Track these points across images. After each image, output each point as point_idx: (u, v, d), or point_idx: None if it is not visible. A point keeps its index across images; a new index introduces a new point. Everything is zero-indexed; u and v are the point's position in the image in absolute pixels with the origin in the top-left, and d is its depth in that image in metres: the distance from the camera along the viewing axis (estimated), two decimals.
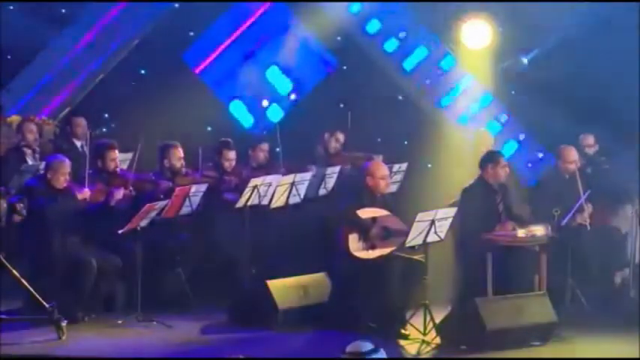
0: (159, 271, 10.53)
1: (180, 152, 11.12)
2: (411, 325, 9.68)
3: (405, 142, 13.70)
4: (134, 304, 10.06)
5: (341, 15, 13.77)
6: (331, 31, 13.85)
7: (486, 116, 13.62)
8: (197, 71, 14.02)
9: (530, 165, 13.48)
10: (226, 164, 11.51)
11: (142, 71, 13.99)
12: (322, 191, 11.53)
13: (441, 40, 13.74)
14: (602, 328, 9.91)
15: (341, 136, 12.47)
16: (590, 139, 11.74)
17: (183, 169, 11.13)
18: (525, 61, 13.29)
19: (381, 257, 9.78)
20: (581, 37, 12.81)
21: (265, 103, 14.06)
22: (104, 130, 13.50)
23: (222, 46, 14.04)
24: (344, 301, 9.86)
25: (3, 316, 9.65)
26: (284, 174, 11.20)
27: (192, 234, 10.99)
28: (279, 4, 13.98)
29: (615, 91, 12.67)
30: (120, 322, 9.97)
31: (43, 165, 10.78)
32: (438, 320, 9.55)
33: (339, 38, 14.04)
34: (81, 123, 12.21)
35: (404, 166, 11.88)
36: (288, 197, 11.00)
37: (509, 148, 13.47)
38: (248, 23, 14.05)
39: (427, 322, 9.55)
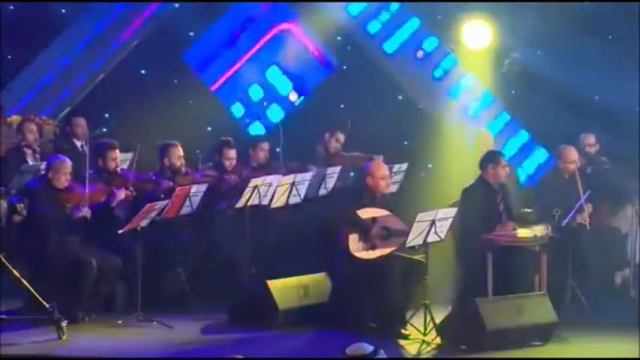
0: (159, 271, 10.53)
1: (180, 151, 11.12)
2: (412, 325, 9.68)
3: (405, 142, 13.70)
4: (134, 304, 10.06)
5: (341, 15, 13.77)
6: (331, 31, 13.85)
7: (486, 116, 13.61)
8: (197, 71, 14.01)
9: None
10: (227, 163, 11.51)
11: (142, 71, 13.99)
12: (322, 191, 11.53)
13: (441, 40, 13.73)
14: (602, 328, 9.91)
15: (341, 136, 12.47)
16: (591, 139, 11.73)
17: (183, 169, 11.13)
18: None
19: (381, 257, 9.78)
20: (581, 36, 12.83)
21: (265, 103, 14.07)
22: (104, 130, 13.50)
23: (222, 47, 14.04)
24: (344, 301, 9.86)
25: (3, 316, 9.64)
26: (284, 174, 11.20)
27: (192, 234, 10.99)
28: (279, 4, 13.98)
29: (615, 91, 12.69)
30: (120, 322, 9.98)
31: (43, 165, 10.79)
32: (438, 320, 9.55)
33: (339, 38, 14.04)
34: (81, 123, 12.21)
35: (404, 166, 11.88)
36: (288, 197, 11.00)
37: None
38: (248, 23, 14.05)
39: (427, 322, 9.55)
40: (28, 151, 11.65)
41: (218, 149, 11.59)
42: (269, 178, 10.85)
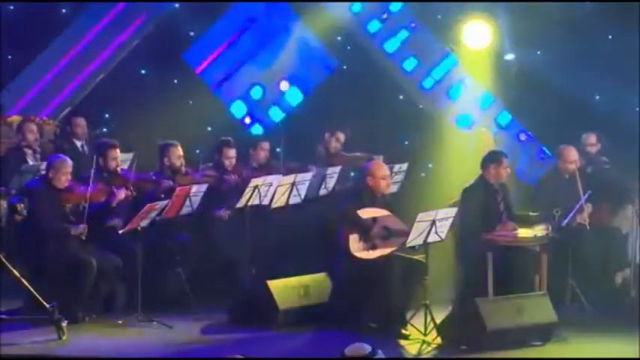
0: (159, 271, 10.52)
1: (179, 151, 11.12)
2: (412, 325, 9.68)
3: (406, 142, 13.70)
4: (134, 304, 10.06)
5: (342, 15, 13.77)
6: (332, 31, 13.85)
7: (486, 116, 13.60)
8: (197, 71, 14.01)
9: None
10: (227, 162, 11.50)
11: (142, 71, 13.99)
12: (323, 191, 11.53)
13: (441, 40, 13.73)
14: (602, 328, 9.91)
15: (341, 136, 12.47)
16: (592, 139, 11.72)
17: (183, 169, 11.13)
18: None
19: (381, 257, 9.78)
20: (581, 37, 12.83)
21: (266, 102, 14.07)
22: (104, 130, 13.50)
23: (223, 47, 14.03)
24: (344, 301, 9.86)
25: (3, 316, 9.64)
26: (284, 174, 11.20)
27: (193, 234, 10.99)
28: (280, 4, 13.98)
29: (615, 91, 12.69)
30: (120, 322, 9.97)
31: (43, 165, 10.79)
32: (438, 320, 9.55)
33: (339, 38, 14.04)
34: (81, 123, 12.22)
35: (404, 166, 11.87)
36: (288, 197, 11.00)
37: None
38: (248, 23, 14.05)
39: (428, 323, 9.55)
40: (29, 151, 11.65)
41: (218, 149, 11.59)
42: (269, 178, 10.85)
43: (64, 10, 13.82)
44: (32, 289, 9.47)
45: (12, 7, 13.52)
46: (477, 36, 13.30)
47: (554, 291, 9.94)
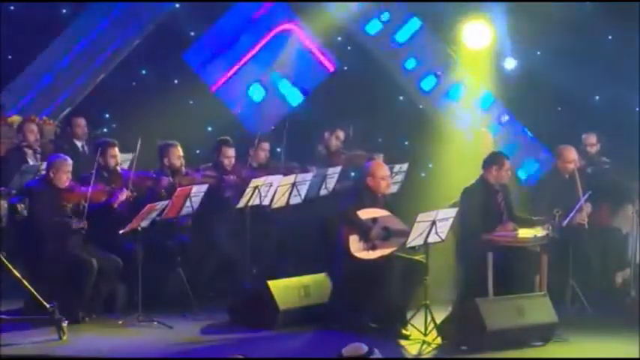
0: (159, 271, 10.52)
1: (179, 151, 11.12)
2: (412, 325, 9.68)
3: (406, 142, 13.71)
4: (134, 304, 10.06)
5: (342, 15, 13.76)
6: (332, 31, 13.86)
7: (487, 116, 13.60)
8: (197, 71, 14.01)
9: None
10: (226, 162, 11.49)
11: (142, 71, 13.99)
12: (323, 192, 11.53)
13: (441, 40, 13.73)
14: (602, 328, 9.92)
15: (341, 134, 12.49)
16: (592, 138, 11.72)
17: (183, 169, 11.14)
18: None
19: (381, 258, 9.77)
20: (581, 36, 12.83)
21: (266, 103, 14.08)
22: (104, 130, 13.50)
23: (223, 47, 14.04)
24: (344, 302, 9.86)
25: (3, 316, 9.64)
26: (285, 174, 11.20)
27: (193, 234, 10.99)
28: (280, 5, 13.98)
29: (615, 91, 12.69)
30: (120, 322, 9.98)
31: (44, 165, 10.79)
32: (438, 320, 9.55)
33: (339, 38, 14.04)
34: (81, 123, 12.24)
35: (405, 166, 11.88)
36: (289, 198, 11.00)
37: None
38: (249, 23, 14.04)
39: (428, 323, 9.55)
40: (29, 152, 11.66)
41: (217, 148, 11.58)
42: (270, 179, 10.85)
43: (64, 10, 13.83)
44: (32, 289, 9.47)
45: (12, 8, 13.52)
46: (477, 36, 13.31)
47: (554, 291, 9.94)
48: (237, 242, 10.86)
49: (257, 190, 10.67)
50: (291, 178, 11.01)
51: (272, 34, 13.99)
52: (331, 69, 14.01)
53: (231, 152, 11.53)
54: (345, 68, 14.04)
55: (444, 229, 9.57)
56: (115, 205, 10.28)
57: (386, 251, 9.79)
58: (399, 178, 11.77)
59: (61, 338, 9.31)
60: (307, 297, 10.16)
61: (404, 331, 9.63)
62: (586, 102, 13.13)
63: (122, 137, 11.49)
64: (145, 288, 10.02)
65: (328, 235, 10.28)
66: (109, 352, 9.08)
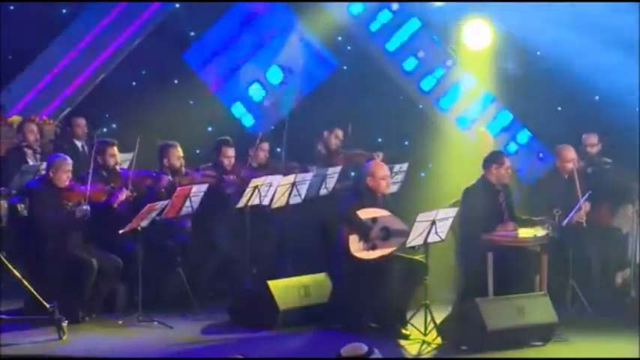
0: (159, 271, 10.52)
1: (179, 152, 11.13)
2: (412, 325, 9.68)
3: (406, 142, 13.71)
4: (134, 304, 10.06)
5: (342, 15, 13.77)
6: (332, 31, 13.86)
7: (487, 116, 13.60)
8: (197, 71, 14.02)
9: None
10: (225, 162, 11.49)
11: (142, 71, 13.99)
12: (323, 191, 11.53)
13: (441, 40, 13.73)
14: (602, 328, 9.91)
15: (340, 133, 12.50)
16: (593, 138, 11.71)
17: (183, 169, 11.14)
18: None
19: (381, 258, 9.77)
20: (582, 36, 12.83)
21: (266, 103, 14.08)
22: (104, 130, 13.50)
23: (223, 47, 14.04)
24: (344, 302, 9.86)
25: (3, 316, 9.65)
26: (284, 174, 11.21)
27: (193, 234, 10.99)
28: (280, 4, 13.98)
29: (615, 91, 12.68)
30: (120, 322, 9.98)
31: (44, 165, 10.79)
32: (438, 320, 9.55)
33: (339, 38, 14.04)
34: (81, 123, 12.25)
35: (405, 166, 11.87)
36: (289, 197, 11.00)
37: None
38: (248, 23, 14.05)
39: (428, 323, 9.55)
40: (29, 152, 11.66)
41: (217, 148, 11.58)
42: (269, 179, 10.85)
43: (64, 10, 13.83)
44: (32, 289, 9.47)
45: (12, 8, 13.52)
46: (477, 36, 13.31)
47: (554, 291, 9.94)
48: (237, 242, 10.87)
49: (257, 190, 10.67)
50: (290, 178, 11.01)
51: (272, 34, 13.99)
52: (331, 69, 14.02)
53: (231, 152, 11.53)
54: (345, 68, 14.04)
55: (443, 228, 9.57)
56: (115, 205, 10.28)
57: (386, 251, 9.79)
58: (399, 178, 11.77)
59: (61, 338, 9.31)
60: (307, 297, 10.16)
61: (404, 331, 9.63)
62: (586, 102, 13.11)
63: (122, 137, 11.50)
64: (145, 288, 10.02)
65: (328, 235, 10.28)
66: (109, 352, 9.08)
